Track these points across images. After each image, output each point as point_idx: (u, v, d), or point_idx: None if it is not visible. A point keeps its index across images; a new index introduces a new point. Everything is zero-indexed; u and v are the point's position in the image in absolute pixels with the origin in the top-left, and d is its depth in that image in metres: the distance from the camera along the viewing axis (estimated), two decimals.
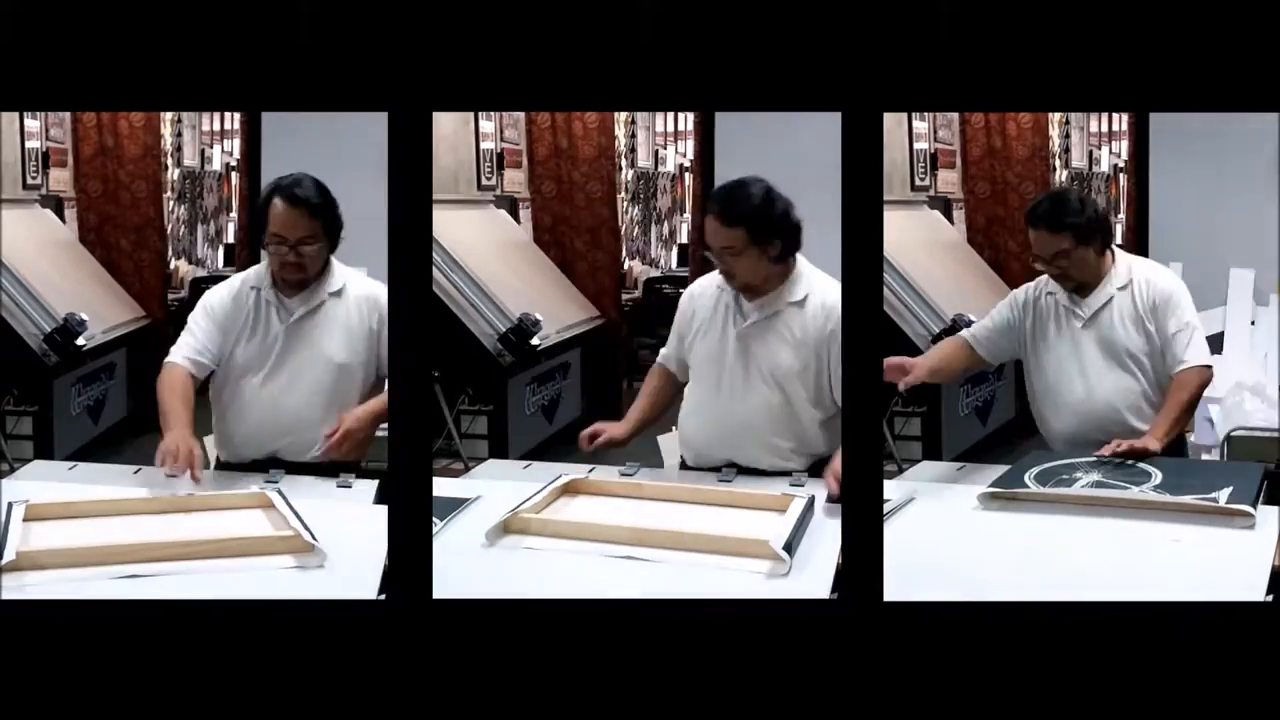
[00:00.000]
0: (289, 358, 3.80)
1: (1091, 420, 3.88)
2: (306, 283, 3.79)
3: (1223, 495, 3.31)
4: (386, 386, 3.70)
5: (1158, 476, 3.48)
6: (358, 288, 3.83)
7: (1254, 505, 3.27)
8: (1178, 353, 3.84)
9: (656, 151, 8.51)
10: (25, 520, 3.20)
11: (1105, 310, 3.90)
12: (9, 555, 2.92)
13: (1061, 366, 3.94)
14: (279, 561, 3.00)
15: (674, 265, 9.45)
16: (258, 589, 2.94)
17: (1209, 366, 3.87)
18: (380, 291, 3.76)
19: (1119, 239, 8.34)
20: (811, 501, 3.29)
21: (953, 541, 3.25)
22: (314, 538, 3.02)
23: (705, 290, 3.90)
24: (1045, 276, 3.95)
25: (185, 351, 3.82)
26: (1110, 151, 8.43)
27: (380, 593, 3.01)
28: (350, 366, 3.79)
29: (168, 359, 3.84)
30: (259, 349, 3.80)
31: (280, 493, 3.37)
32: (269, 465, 3.70)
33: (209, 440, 5.17)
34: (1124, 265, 3.95)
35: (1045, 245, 3.88)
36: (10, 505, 3.24)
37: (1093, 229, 3.89)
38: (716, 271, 3.80)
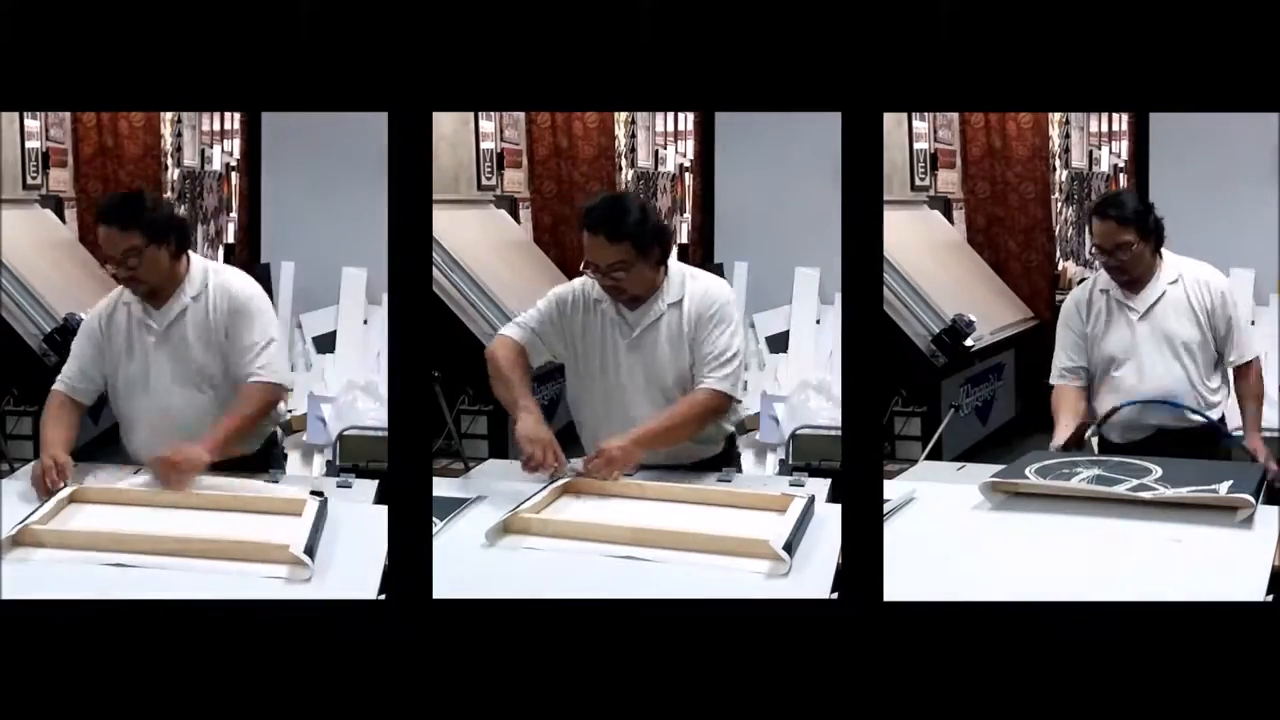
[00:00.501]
0: (164, 374, 3.75)
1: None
2: (161, 291, 3.75)
3: (1222, 488, 3.31)
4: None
5: (1157, 472, 3.48)
6: (214, 285, 3.76)
7: (1255, 500, 3.28)
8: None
9: (656, 151, 8.50)
10: (71, 501, 3.28)
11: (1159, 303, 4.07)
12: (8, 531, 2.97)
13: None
14: (268, 570, 2.97)
15: None
16: (240, 591, 2.93)
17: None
18: (230, 280, 3.78)
19: None
20: (811, 501, 3.29)
21: (953, 541, 3.25)
22: (309, 555, 2.98)
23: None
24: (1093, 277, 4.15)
25: (65, 379, 3.83)
26: (1110, 151, 8.43)
27: (380, 593, 3.01)
28: (213, 370, 3.76)
29: (54, 387, 3.84)
30: (138, 369, 3.77)
31: (324, 501, 3.31)
32: None
33: None
34: (1172, 263, 4.11)
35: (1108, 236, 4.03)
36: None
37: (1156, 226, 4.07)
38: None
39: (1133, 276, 4.08)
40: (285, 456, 4.04)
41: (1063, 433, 4.00)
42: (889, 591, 3.07)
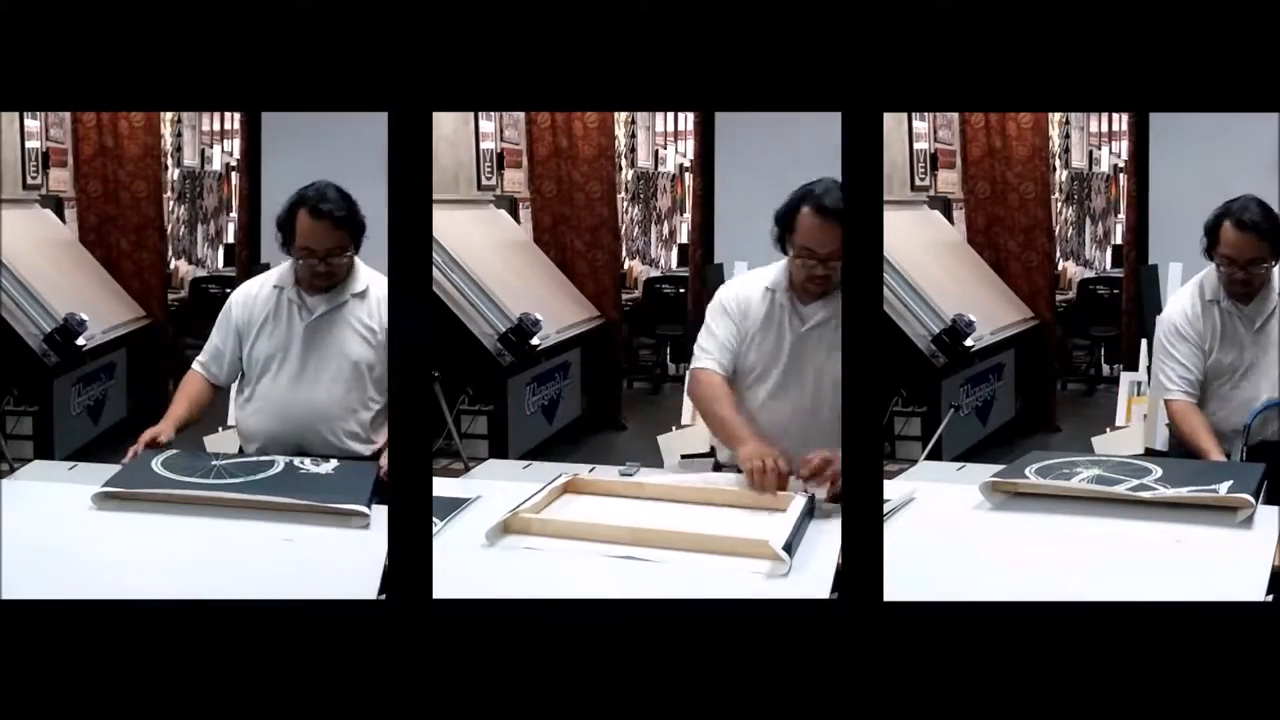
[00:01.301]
0: (309, 355, 3.89)
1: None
2: (333, 286, 3.91)
3: (1222, 488, 3.31)
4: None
5: (1157, 472, 3.48)
6: (379, 289, 3.88)
7: (1255, 500, 3.28)
8: None
9: (656, 151, 8.50)
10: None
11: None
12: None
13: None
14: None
15: (674, 265, 9.46)
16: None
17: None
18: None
19: (1118, 239, 8.37)
20: (812, 501, 3.29)
21: (953, 541, 3.25)
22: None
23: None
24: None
25: (202, 358, 3.99)
26: (1110, 151, 8.43)
27: (380, 593, 3.01)
28: (367, 364, 3.87)
29: (192, 368, 4.01)
30: (278, 346, 3.90)
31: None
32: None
33: (209, 438, 5.18)
34: None
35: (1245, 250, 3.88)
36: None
37: None
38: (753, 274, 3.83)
39: (1254, 291, 3.94)
40: None
41: (1216, 451, 3.79)
42: (889, 591, 3.06)
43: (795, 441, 3.56)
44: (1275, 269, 3.93)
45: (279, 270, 4.00)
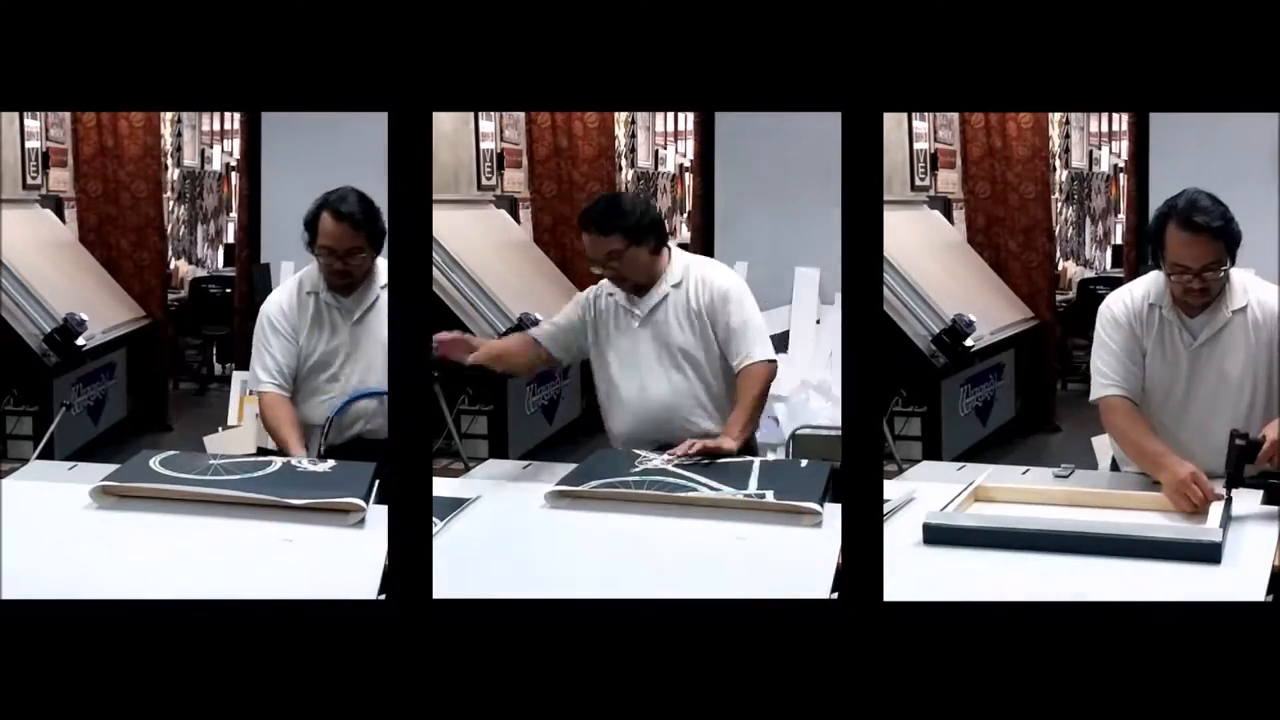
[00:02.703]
0: (358, 353, 4.03)
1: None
2: (354, 285, 4.03)
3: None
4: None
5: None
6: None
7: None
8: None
9: (656, 151, 8.51)
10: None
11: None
12: None
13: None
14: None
15: None
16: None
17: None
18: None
19: (1118, 239, 8.37)
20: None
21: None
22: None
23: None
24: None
25: (270, 376, 4.04)
26: (1110, 151, 8.44)
27: (380, 593, 3.02)
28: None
29: (258, 387, 4.07)
30: (330, 348, 4.04)
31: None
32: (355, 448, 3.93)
33: (211, 439, 5.17)
34: (679, 264, 3.96)
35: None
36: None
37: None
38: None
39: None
40: None
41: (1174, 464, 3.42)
42: (889, 592, 3.07)
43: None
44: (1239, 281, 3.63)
45: (305, 277, 4.09)
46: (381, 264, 4.06)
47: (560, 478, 3.52)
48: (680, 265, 3.98)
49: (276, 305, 4.09)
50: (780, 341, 6.32)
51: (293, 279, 4.17)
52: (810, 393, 5.56)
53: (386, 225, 3.44)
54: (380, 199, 3.15)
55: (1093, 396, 3.65)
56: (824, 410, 5.47)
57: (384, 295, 4.01)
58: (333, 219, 3.94)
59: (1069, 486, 3.54)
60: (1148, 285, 3.64)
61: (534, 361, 4.21)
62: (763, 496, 3.36)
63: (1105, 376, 3.61)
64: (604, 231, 3.90)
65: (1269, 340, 3.57)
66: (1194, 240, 3.46)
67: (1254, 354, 3.56)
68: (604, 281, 4.00)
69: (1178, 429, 3.59)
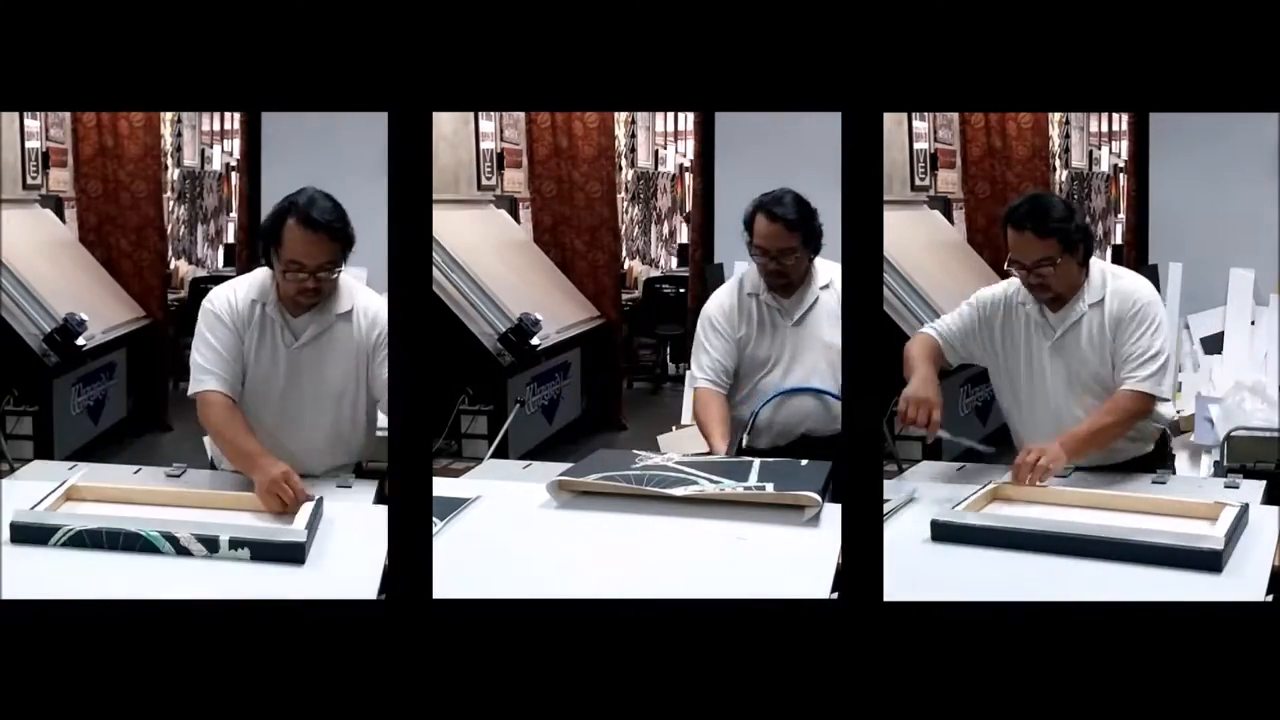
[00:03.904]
0: (292, 388, 3.59)
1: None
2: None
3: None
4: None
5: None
6: (362, 304, 3.61)
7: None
8: (1128, 371, 3.67)
9: (656, 151, 8.52)
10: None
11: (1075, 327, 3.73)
12: None
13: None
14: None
15: (674, 265, 9.46)
16: None
17: (1153, 397, 3.67)
18: (382, 307, 3.56)
19: (1118, 239, 8.37)
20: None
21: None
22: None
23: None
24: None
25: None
26: (1110, 151, 8.43)
27: (380, 593, 3.02)
28: (352, 394, 3.63)
29: (200, 389, 3.54)
30: (264, 375, 3.58)
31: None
32: None
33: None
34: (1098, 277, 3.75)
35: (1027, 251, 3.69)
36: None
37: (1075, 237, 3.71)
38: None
39: (1056, 294, 3.74)
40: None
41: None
42: (889, 591, 3.07)
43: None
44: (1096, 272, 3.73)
45: (255, 283, 3.60)
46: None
47: (560, 473, 3.52)
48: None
49: (718, 305, 4.06)
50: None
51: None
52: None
53: (387, 222, 3.12)
54: (380, 199, 3.11)
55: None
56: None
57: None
58: (302, 227, 3.44)
59: (1078, 488, 3.54)
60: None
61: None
62: (762, 489, 3.36)
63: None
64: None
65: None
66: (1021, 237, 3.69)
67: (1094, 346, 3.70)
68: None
69: (1033, 415, 3.76)
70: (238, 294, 3.61)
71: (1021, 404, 3.82)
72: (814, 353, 4.00)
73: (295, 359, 3.59)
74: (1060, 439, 3.59)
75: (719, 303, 4.08)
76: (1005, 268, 3.77)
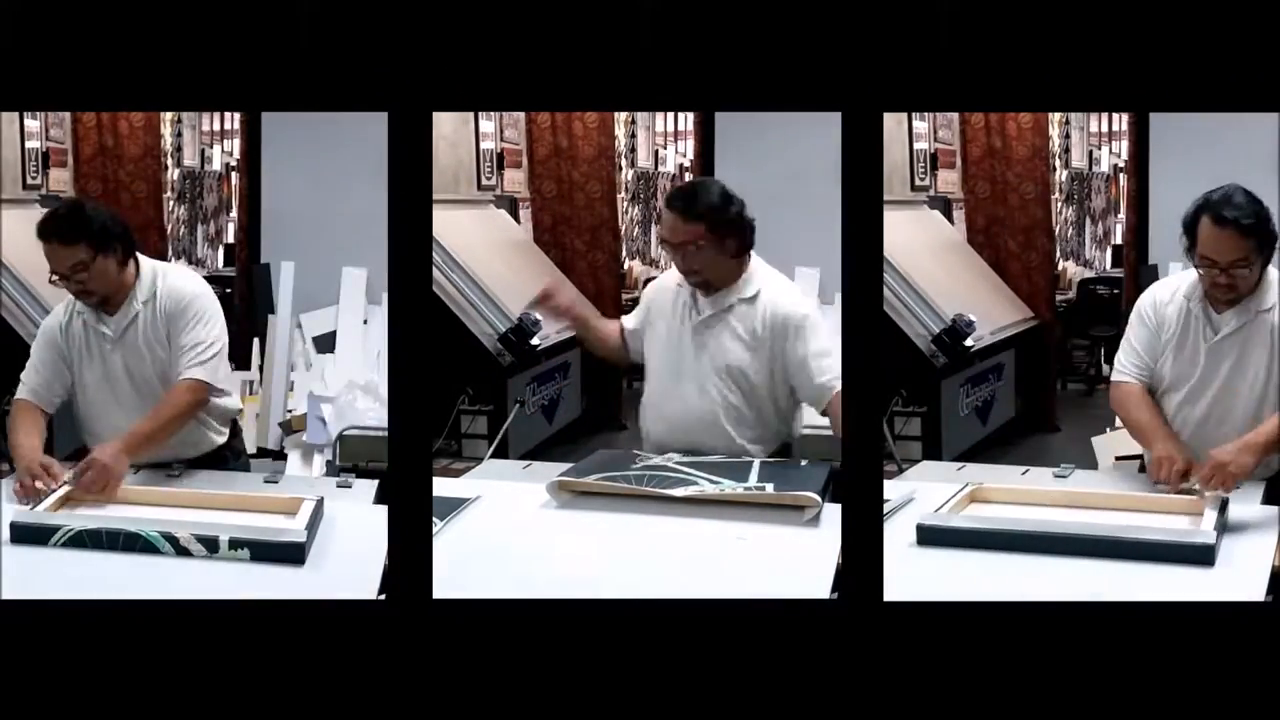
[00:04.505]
0: (121, 381, 3.74)
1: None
2: (111, 299, 3.73)
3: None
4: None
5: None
6: (162, 287, 3.74)
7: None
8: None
9: (656, 151, 8.51)
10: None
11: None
12: None
13: None
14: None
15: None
16: None
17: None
18: (177, 280, 3.75)
19: (1118, 239, 8.37)
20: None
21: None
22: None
23: (664, 286, 3.91)
24: None
25: (29, 387, 3.80)
26: (1110, 151, 8.43)
27: (380, 593, 3.02)
28: (166, 371, 3.73)
29: (18, 396, 3.78)
30: (97, 377, 3.75)
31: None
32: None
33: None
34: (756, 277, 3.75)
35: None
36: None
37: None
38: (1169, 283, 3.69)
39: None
40: (245, 457, 4.02)
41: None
42: (889, 592, 3.07)
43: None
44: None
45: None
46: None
47: (561, 473, 3.52)
48: (757, 278, 3.77)
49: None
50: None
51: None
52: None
53: (387, 222, 3.19)
54: (380, 199, 3.12)
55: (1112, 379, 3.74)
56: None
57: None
58: (44, 242, 3.64)
59: (1067, 487, 3.54)
60: (1185, 278, 3.63)
61: (616, 351, 4.05)
62: (763, 489, 3.36)
63: (1120, 364, 3.69)
64: (687, 218, 3.66)
65: None
66: (1222, 235, 3.43)
67: (1275, 354, 3.54)
68: (675, 271, 3.81)
69: (1191, 422, 3.60)
70: (61, 314, 3.80)
71: (1192, 403, 3.61)
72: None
73: (114, 353, 3.74)
74: (1242, 443, 3.41)
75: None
76: (1194, 264, 3.52)
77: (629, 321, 4.02)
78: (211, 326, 3.72)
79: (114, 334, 3.72)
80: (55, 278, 3.66)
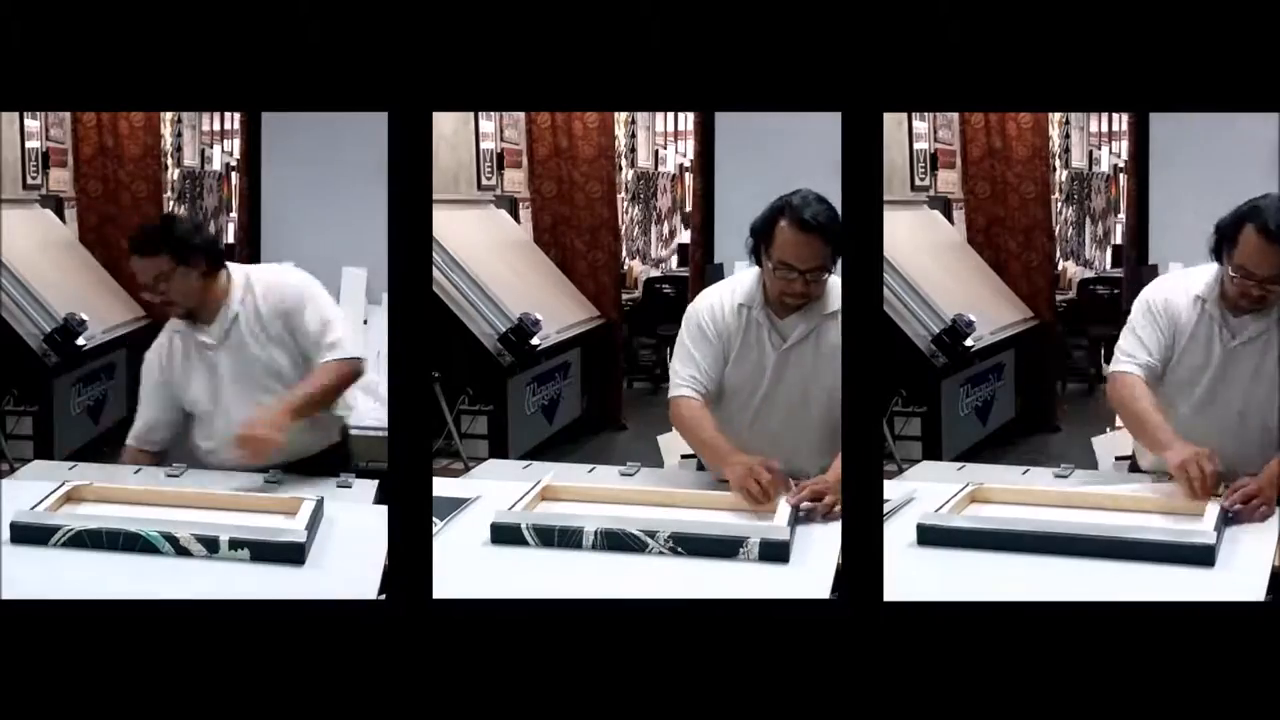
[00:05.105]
0: (229, 385, 3.80)
1: None
2: (202, 310, 3.79)
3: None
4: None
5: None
6: (260, 288, 3.80)
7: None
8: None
9: (656, 151, 8.51)
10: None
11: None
12: None
13: None
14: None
15: (674, 265, 9.46)
16: None
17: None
18: (274, 278, 3.83)
19: (1118, 239, 8.37)
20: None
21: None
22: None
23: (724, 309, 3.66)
24: None
25: (134, 434, 3.89)
26: (1110, 151, 8.43)
27: (380, 593, 3.02)
28: (280, 366, 3.79)
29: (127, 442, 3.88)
30: (204, 387, 3.82)
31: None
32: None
33: None
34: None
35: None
36: None
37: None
38: (724, 289, 3.63)
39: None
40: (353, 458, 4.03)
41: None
42: (888, 591, 3.07)
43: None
44: None
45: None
46: (237, 282, 3.80)
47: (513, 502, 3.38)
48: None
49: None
50: None
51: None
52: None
53: (387, 222, 3.17)
54: (380, 199, 3.12)
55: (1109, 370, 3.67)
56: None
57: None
58: (134, 255, 3.75)
59: (1067, 487, 3.54)
60: (1194, 276, 3.59)
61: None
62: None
63: (1121, 353, 3.60)
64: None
65: None
66: (1270, 249, 3.38)
67: None
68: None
69: (1205, 421, 3.56)
70: (160, 345, 3.91)
71: (1200, 408, 3.59)
72: None
73: (218, 358, 3.80)
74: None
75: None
76: (1230, 274, 3.46)
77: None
78: (329, 306, 3.80)
79: (215, 341, 3.79)
80: (143, 291, 3.79)
